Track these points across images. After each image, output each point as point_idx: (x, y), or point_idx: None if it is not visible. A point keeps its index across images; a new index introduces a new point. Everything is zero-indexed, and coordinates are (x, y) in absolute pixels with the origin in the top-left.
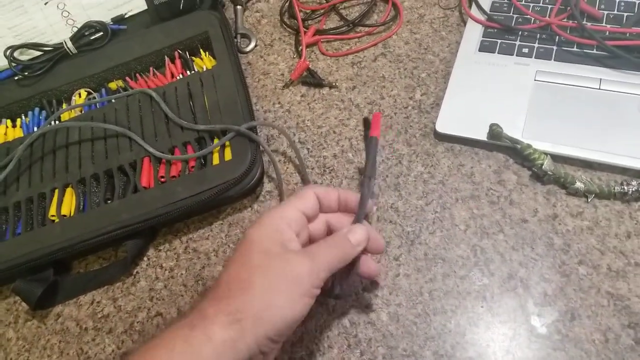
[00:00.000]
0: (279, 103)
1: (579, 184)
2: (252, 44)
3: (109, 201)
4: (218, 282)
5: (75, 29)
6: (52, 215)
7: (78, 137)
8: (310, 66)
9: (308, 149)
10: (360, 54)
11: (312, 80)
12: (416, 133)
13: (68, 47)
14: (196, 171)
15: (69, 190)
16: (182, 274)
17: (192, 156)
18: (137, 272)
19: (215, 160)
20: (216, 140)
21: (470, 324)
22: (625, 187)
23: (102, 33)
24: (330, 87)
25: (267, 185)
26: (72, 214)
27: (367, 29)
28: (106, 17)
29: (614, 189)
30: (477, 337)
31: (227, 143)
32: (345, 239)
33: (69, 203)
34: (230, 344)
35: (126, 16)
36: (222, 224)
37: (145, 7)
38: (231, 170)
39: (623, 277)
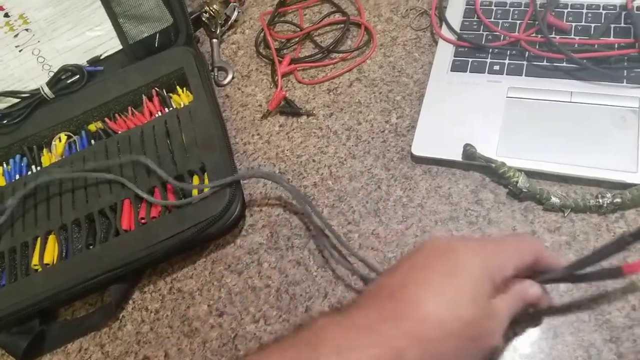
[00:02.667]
0: (258, 134)
1: (554, 199)
2: (230, 77)
3: (91, 246)
4: (410, 301)
5: (51, 74)
6: (35, 265)
7: (58, 183)
8: (287, 95)
9: (288, 179)
10: (335, 80)
11: (289, 109)
12: (394, 157)
13: (45, 93)
14: (176, 210)
15: (51, 237)
16: (167, 315)
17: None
18: (123, 316)
19: (195, 201)
20: (195, 178)
21: None
22: (600, 200)
23: (78, 76)
24: (308, 115)
25: (249, 219)
26: (55, 262)
27: (341, 54)
28: (82, 60)
29: (590, 202)
30: None
31: (207, 180)
32: (524, 296)
33: (51, 251)
34: None
35: (102, 57)
36: (205, 261)
37: (121, 47)
38: (211, 207)
39: (603, 291)
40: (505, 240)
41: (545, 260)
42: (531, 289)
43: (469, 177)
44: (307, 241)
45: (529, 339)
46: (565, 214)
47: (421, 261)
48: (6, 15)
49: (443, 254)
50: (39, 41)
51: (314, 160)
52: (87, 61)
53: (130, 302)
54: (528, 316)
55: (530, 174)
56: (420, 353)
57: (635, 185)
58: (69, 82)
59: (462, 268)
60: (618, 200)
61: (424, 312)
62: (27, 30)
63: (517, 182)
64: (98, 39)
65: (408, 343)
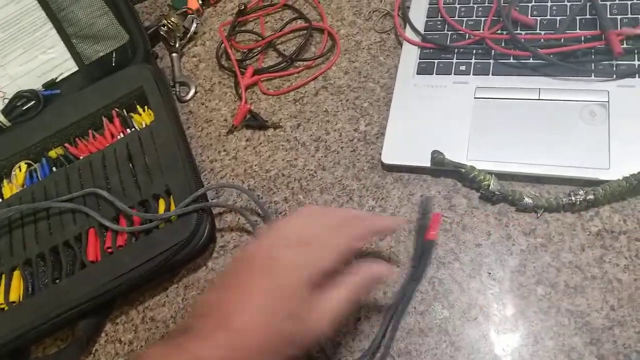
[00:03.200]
0: (225, 150)
1: (527, 200)
2: (192, 91)
3: (58, 280)
4: (220, 315)
5: (6, 101)
6: (1, 304)
7: (20, 215)
8: (252, 108)
9: (258, 195)
10: (301, 89)
11: (255, 123)
12: (364, 166)
13: (0, 121)
14: (143, 237)
15: (15, 273)
16: (142, 346)
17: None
18: (96, 350)
19: (161, 223)
20: (161, 201)
21: None
22: (573, 198)
23: (34, 101)
24: (275, 127)
25: (220, 240)
26: (21, 299)
27: (305, 62)
28: (37, 84)
29: (562, 200)
30: None
31: (172, 203)
32: (370, 281)
33: (17, 288)
34: None
35: (58, 80)
36: (177, 287)
37: (77, 68)
38: (178, 233)
39: (581, 293)
40: (330, 234)
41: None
42: (375, 267)
43: (441, 183)
44: None
45: (509, 347)
46: (539, 214)
47: (235, 278)
48: None
49: (259, 269)
50: None
51: (283, 175)
52: (42, 85)
53: (103, 334)
54: (507, 323)
55: (502, 176)
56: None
57: (607, 181)
58: (24, 108)
59: (276, 280)
60: (591, 197)
61: (237, 326)
62: None
63: (488, 185)
64: (52, 61)
65: (219, 354)
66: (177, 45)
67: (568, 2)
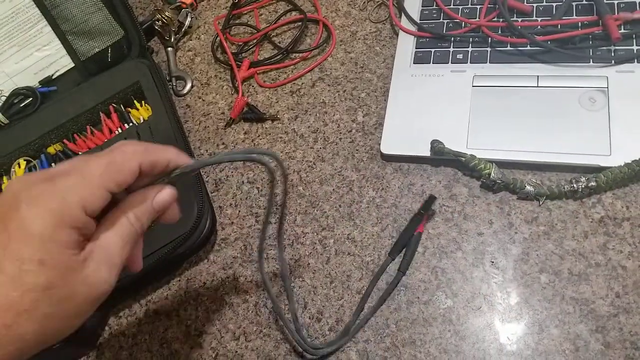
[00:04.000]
0: (223, 143)
1: (528, 188)
2: (189, 85)
3: None
4: None
5: (3, 99)
6: None
7: None
8: (249, 101)
9: (258, 188)
10: (297, 81)
11: (252, 115)
12: (363, 157)
13: None
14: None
15: None
16: (145, 339)
17: None
18: (100, 344)
19: None
20: None
21: (440, 351)
22: (575, 185)
23: (31, 98)
24: (272, 120)
25: (221, 233)
26: None
27: (301, 54)
28: (34, 81)
29: (564, 188)
30: None
31: None
32: (150, 211)
33: None
34: None
35: (54, 77)
36: (179, 280)
37: (73, 65)
38: (179, 227)
39: (585, 280)
40: (92, 160)
41: (160, 161)
42: (157, 196)
43: (441, 173)
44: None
45: (514, 335)
46: (541, 202)
47: None
48: None
49: (3, 218)
50: None
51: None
52: (39, 82)
53: (107, 328)
54: (511, 312)
55: (503, 165)
56: None
57: (609, 167)
58: (22, 105)
59: (17, 223)
60: (593, 184)
61: None
62: None
63: (489, 173)
64: (48, 58)
65: None
66: (172, 39)
67: None
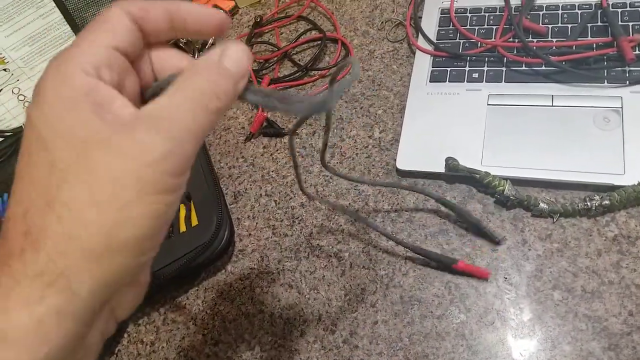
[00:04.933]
0: (243, 157)
1: (543, 205)
2: None
3: None
4: (8, 225)
5: None
6: None
7: None
8: (268, 116)
9: (275, 201)
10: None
11: (272, 130)
12: (379, 172)
13: None
14: (164, 241)
15: None
16: (163, 347)
17: None
18: (119, 350)
19: (182, 227)
20: (181, 207)
21: None
22: (589, 203)
23: None
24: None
25: (239, 244)
26: None
27: (320, 72)
28: None
29: (578, 206)
30: None
31: (193, 208)
32: (220, 71)
33: None
34: (50, 322)
35: None
36: (197, 289)
37: None
38: (199, 236)
39: (599, 298)
40: (75, 39)
41: (149, 14)
42: (225, 53)
43: (456, 189)
44: (297, 263)
45: (526, 351)
46: (555, 220)
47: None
48: None
49: (26, 144)
50: (18, 80)
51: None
52: None
53: (125, 335)
54: (524, 327)
55: (517, 182)
56: (14, 266)
57: (623, 186)
58: None
59: (37, 134)
60: (607, 202)
61: (8, 215)
62: (5, 70)
63: (503, 190)
64: None
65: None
66: (195, 56)
67: (579, 9)
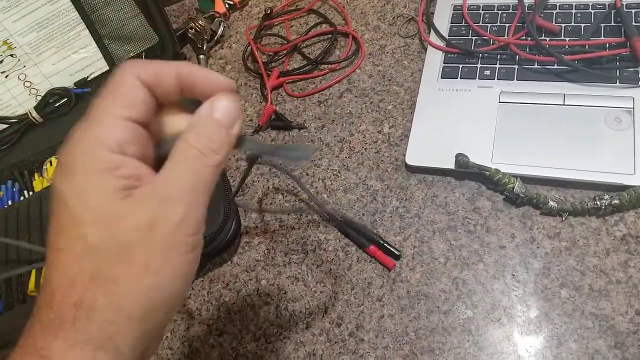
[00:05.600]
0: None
1: (552, 203)
2: None
3: None
4: (42, 288)
5: (39, 98)
6: (32, 291)
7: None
8: (277, 109)
9: (282, 194)
10: (325, 91)
11: (280, 123)
12: (388, 167)
13: (33, 117)
14: None
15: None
16: (167, 336)
17: None
18: None
19: None
20: None
21: None
22: (598, 202)
23: (66, 99)
24: (300, 128)
25: (245, 236)
26: None
27: (330, 65)
28: (69, 82)
29: (587, 205)
30: None
31: None
32: (213, 123)
33: None
34: None
35: (89, 79)
36: (203, 280)
37: (108, 68)
38: (206, 227)
39: (606, 297)
40: (92, 109)
41: (160, 79)
42: (216, 106)
43: (465, 186)
44: (304, 256)
45: (532, 348)
46: (564, 218)
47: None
48: None
49: (55, 214)
50: (24, 66)
51: (307, 174)
52: (74, 83)
53: None
54: (530, 324)
55: (527, 180)
56: (68, 333)
57: (633, 187)
58: (57, 105)
59: (56, 201)
60: (616, 202)
61: (50, 288)
62: (12, 56)
63: (513, 187)
64: (84, 61)
65: (52, 336)
66: (204, 47)
67: (592, 9)
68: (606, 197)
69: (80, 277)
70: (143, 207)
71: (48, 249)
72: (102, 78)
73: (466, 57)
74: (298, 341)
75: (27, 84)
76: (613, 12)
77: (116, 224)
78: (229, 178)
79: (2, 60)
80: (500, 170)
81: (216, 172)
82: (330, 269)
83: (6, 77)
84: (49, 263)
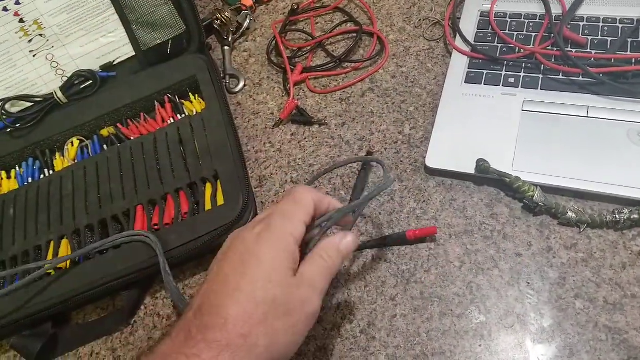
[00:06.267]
0: (270, 142)
1: (570, 214)
2: (241, 84)
3: (104, 252)
4: (212, 311)
5: (64, 79)
6: (48, 269)
7: (72, 187)
8: (299, 104)
9: None
10: (348, 89)
11: (301, 118)
12: (407, 168)
13: (58, 97)
14: (189, 218)
15: (64, 242)
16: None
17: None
18: (135, 322)
19: (208, 205)
20: (208, 185)
21: None
22: (617, 216)
23: (91, 81)
24: (320, 124)
25: None
26: (67, 266)
27: (353, 64)
28: (95, 65)
29: (606, 218)
30: None
31: (220, 187)
32: (338, 252)
33: (64, 255)
34: None
35: (115, 63)
36: None
37: (134, 53)
38: (224, 216)
39: (620, 310)
40: (282, 205)
41: (324, 202)
42: (343, 241)
43: (484, 191)
44: None
45: (544, 356)
46: (582, 230)
47: (217, 268)
48: (21, 20)
49: (234, 252)
50: (52, 47)
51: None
52: (100, 67)
53: (142, 307)
54: (543, 334)
55: (546, 189)
56: (232, 356)
57: None
58: (82, 87)
59: (251, 256)
60: (635, 216)
61: (225, 316)
62: (41, 35)
63: (532, 196)
64: (111, 45)
65: (216, 352)
66: (229, 39)
67: (620, 23)
68: (625, 211)
69: (255, 317)
70: (304, 287)
71: (223, 282)
72: (128, 63)
73: (491, 63)
74: (309, 335)
75: (54, 64)
76: None
77: (289, 291)
78: (248, 170)
79: (32, 40)
80: (520, 178)
81: (332, 278)
82: (344, 266)
83: (34, 56)
84: (225, 293)
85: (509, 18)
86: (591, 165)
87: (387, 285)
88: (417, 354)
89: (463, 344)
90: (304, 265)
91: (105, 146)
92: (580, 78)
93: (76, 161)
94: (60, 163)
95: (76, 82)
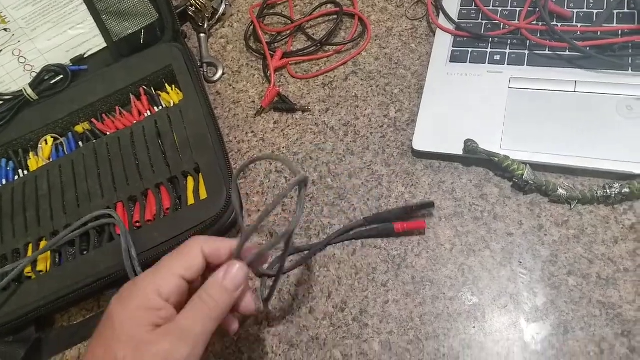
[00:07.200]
0: (252, 132)
1: (561, 191)
2: (220, 73)
3: (85, 252)
4: None
5: (34, 75)
6: (28, 272)
7: (47, 187)
8: (280, 91)
9: (286, 177)
10: (330, 74)
11: (283, 105)
12: (394, 152)
13: (28, 94)
14: (172, 213)
15: (43, 243)
16: None
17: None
18: None
19: (191, 199)
20: (190, 179)
21: (463, 347)
22: (608, 191)
23: (62, 76)
24: (303, 111)
25: (247, 220)
26: (48, 269)
27: (335, 47)
28: (65, 59)
29: (597, 193)
30: (471, 359)
31: (202, 181)
32: (221, 289)
33: (44, 257)
34: None
35: (86, 56)
36: None
37: (105, 45)
38: (208, 210)
39: (613, 285)
40: (165, 257)
41: (218, 252)
42: (227, 276)
43: (472, 172)
44: (307, 241)
45: (539, 335)
46: (572, 206)
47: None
48: None
49: (102, 326)
50: (19, 41)
51: (311, 158)
52: (70, 60)
53: None
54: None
55: (536, 167)
56: None
57: None
58: (52, 82)
59: (107, 319)
60: (626, 190)
61: None
62: (5, 30)
63: (522, 174)
64: (81, 37)
65: None
66: (205, 26)
67: None
68: (616, 185)
69: None
70: (167, 339)
71: (89, 348)
72: (100, 55)
73: (476, 41)
74: (301, 325)
75: (22, 59)
76: None
77: (142, 349)
78: (231, 161)
79: None
80: (509, 157)
81: (217, 323)
82: (334, 254)
83: (0, 52)
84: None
85: None
86: (580, 140)
87: (378, 271)
88: (410, 339)
89: (457, 326)
90: (183, 311)
91: (80, 143)
92: (567, 52)
93: (51, 160)
94: (34, 163)
95: (46, 78)
